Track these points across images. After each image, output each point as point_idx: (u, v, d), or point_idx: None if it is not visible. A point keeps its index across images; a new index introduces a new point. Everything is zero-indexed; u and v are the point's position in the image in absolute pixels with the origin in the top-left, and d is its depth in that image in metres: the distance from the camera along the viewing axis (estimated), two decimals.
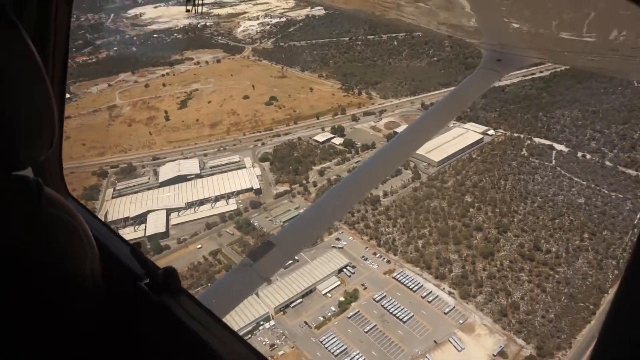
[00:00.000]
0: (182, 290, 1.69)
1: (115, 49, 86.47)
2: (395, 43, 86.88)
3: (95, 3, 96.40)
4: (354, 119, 65.66)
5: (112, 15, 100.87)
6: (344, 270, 41.38)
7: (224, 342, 1.57)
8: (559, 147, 53.57)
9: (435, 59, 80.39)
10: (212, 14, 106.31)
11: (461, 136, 57.78)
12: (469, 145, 56.07)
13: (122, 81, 76.30)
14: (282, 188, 52.35)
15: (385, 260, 42.50)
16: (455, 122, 61.18)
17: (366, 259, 42.67)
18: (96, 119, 64.26)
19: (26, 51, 0.66)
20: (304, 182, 52.88)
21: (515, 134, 57.55)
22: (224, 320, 1.81)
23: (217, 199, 50.34)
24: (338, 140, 59.92)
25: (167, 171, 54.43)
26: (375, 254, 43.26)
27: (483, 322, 36.09)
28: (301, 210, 38.29)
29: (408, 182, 51.38)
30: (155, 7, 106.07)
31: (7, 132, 0.62)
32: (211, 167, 55.76)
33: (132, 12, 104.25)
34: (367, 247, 44.05)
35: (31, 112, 0.69)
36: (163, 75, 78.77)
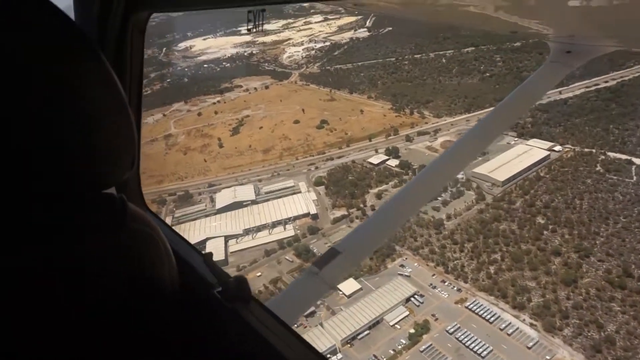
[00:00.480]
0: (252, 298, 1.77)
1: (168, 80, 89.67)
2: (444, 60, 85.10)
3: (148, 39, 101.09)
4: (408, 139, 63.84)
5: (165, 49, 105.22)
6: (412, 299, 38.95)
7: (293, 349, 1.63)
8: (638, 161, 49.22)
9: (487, 74, 77.77)
10: (258, 42, 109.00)
11: (525, 153, 54.49)
12: (535, 162, 52.64)
13: (176, 110, 78.56)
14: (339, 212, 50.95)
15: (455, 288, 39.77)
16: (517, 138, 58.27)
17: (434, 287, 40.09)
18: (154, 148, 66.00)
19: (108, 79, 0.70)
20: (362, 206, 51.23)
21: (586, 149, 53.55)
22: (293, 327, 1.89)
23: (274, 225, 49.55)
24: (393, 162, 58.16)
25: (223, 198, 54.50)
26: (443, 281, 40.62)
27: (574, 359, 32.52)
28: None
29: (472, 204, 48.61)
30: (204, 39, 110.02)
31: (96, 156, 0.68)
32: (266, 193, 55.32)
33: (182, 45, 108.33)
34: (434, 274, 41.48)
35: (116, 136, 0.74)
36: (214, 103, 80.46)
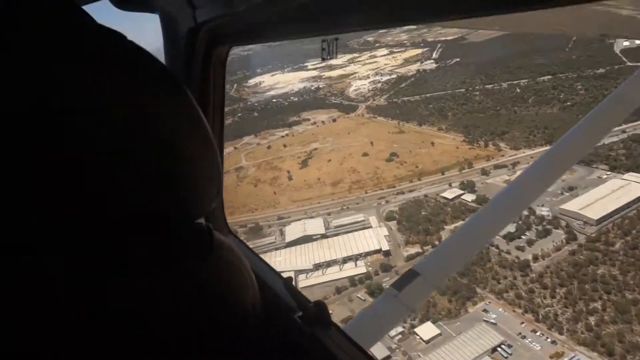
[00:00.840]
0: (331, 323, 1.80)
1: (239, 114, 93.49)
2: (518, 90, 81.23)
3: None
4: (484, 172, 60.48)
5: (235, 85, 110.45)
6: (499, 349, 35.35)
7: None
8: None
9: (568, 103, 72.80)
10: (324, 77, 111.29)
11: (621, 189, 49.18)
12: (635, 199, 47.28)
13: (246, 144, 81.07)
14: (412, 250, 48.58)
15: (548, 339, 35.59)
16: (609, 172, 53.08)
17: (524, 337, 36.18)
18: (226, 180, 65.61)
19: (194, 113, 0.73)
20: (436, 242, 48.49)
21: None
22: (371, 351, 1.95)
23: (345, 260, 48.15)
24: (469, 197, 55.05)
25: (292, 231, 54.19)
26: (534, 331, 36.58)
27: None
28: None
29: (562, 244, 44.23)
30: (272, 75, 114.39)
31: (185, 187, 0.71)
32: (336, 227, 54.28)
33: (252, 81, 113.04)
34: (522, 323, 37.57)
35: (202, 168, 0.77)
36: (283, 136, 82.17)
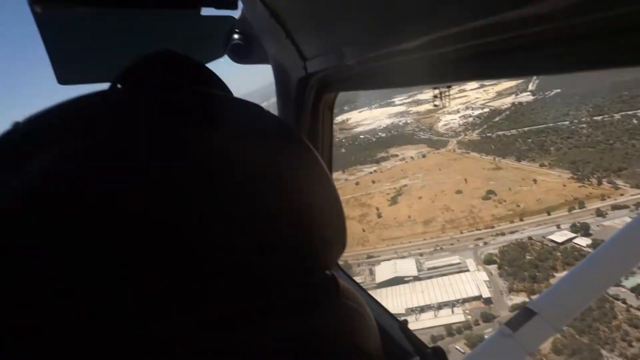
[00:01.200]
0: None
1: None
2: (635, 121, 73.00)
3: None
4: (599, 213, 53.79)
5: None
6: None
7: None
8: None
9: None
10: (412, 112, 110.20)
11: None
12: None
13: (334, 180, 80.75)
14: (517, 298, 43.90)
15: None
16: None
17: None
18: None
19: (316, 164, 0.75)
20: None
21: None
22: None
23: (440, 306, 44.81)
24: (583, 241, 48.99)
25: (383, 271, 52.15)
26: None
27: None
28: None
29: None
30: (359, 112, 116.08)
31: (314, 240, 0.74)
32: (429, 269, 51.26)
33: (339, 118, 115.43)
34: None
35: (330, 219, 0.79)
36: (371, 172, 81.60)
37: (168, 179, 0.56)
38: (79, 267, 0.51)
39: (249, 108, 0.71)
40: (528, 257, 48.87)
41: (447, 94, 1.79)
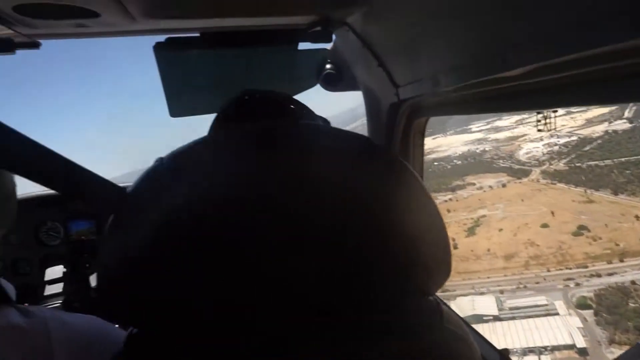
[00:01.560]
0: None
1: None
2: None
3: None
4: None
5: None
6: None
7: None
8: None
9: None
10: (490, 139, 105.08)
11: None
12: None
13: None
14: (619, 351, 38.25)
15: None
16: None
17: None
18: None
19: (420, 188, 0.77)
20: None
21: None
22: None
23: (525, 352, 40.42)
24: None
25: (460, 307, 48.37)
26: None
27: None
28: None
29: None
30: (433, 139, 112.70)
31: (421, 266, 0.75)
32: (511, 309, 46.82)
33: None
34: None
35: (437, 242, 0.80)
36: (446, 201, 77.88)
37: (294, 210, 0.59)
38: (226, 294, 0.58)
39: (356, 138, 0.73)
40: (632, 305, 42.96)
41: (552, 117, 1.69)
